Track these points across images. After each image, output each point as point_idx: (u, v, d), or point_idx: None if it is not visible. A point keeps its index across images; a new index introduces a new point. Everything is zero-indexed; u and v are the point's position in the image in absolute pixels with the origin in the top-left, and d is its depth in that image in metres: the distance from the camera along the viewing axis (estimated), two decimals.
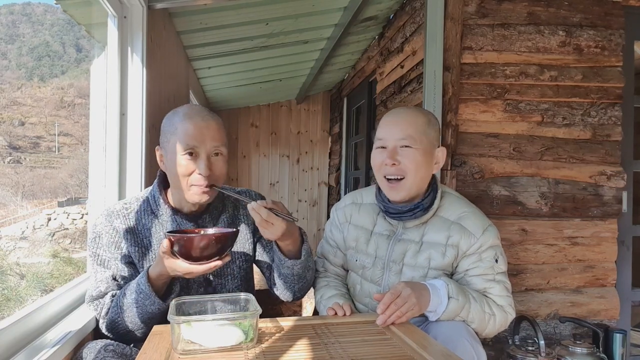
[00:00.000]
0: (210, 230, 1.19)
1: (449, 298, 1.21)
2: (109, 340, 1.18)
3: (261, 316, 1.03)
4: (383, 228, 1.43)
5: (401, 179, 1.33)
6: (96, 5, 1.59)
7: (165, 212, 1.28)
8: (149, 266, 1.18)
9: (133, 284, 1.17)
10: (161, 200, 1.29)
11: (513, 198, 2.25)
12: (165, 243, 1.07)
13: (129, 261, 1.26)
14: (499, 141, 2.23)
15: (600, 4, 2.26)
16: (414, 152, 1.31)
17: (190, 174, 1.20)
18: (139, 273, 1.25)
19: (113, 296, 1.23)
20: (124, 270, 1.25)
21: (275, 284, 1.37)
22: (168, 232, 1.11)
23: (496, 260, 1.34)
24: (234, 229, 1.15)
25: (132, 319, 1.17)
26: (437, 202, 1.37)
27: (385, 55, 3.15)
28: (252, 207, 1.14)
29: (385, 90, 3.11)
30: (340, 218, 1.51)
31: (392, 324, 1.13)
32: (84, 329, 1.22)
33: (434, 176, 1.40)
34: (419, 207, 1.34)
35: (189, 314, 1.07)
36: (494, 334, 1.31)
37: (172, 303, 1.05)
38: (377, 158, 1.37)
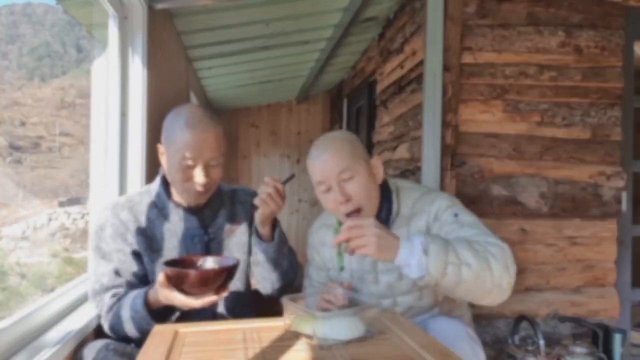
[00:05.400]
0: (210, 263, 1.18)
1: (426, 249, 1.05)
2: (110, 340, 1.19)
3: (261, 316, 1.04)
4: None
5: (360, 209, 1.28)
6: (97, 5, 1.59)
7: (169, 207, 1.32)
8: (148, 287, 1.18)
9: (130, 299, 1.19)
10: (165, 196, 1.33)
11: (513, 198, 2.25)
12: (161, 277, 1.09)
13: (135, 252, 1.27)
14: (498, 141, 2.24)
15: (600, 4, 2.26)
16: (358, 179, 1.27)
17: (187, 180, 1.25)
18: (145, 266, 1.27)
19: (114, 296, 1.23)
20: (128, 263, 1.26)
21: (256, 278, 1.42)
22: (165, 263, 1.11)
23: (455, 215, 1.26)
24: (235, 261, 1.13)
25: (130, 331, 1.19)
26: (395, 205, 1.35)
27: (385, 56, 3.15)
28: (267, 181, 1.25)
29: (386, 91, 3.11)
30: (315, 241, 1.53)
31: (353, 251, 1.08)
32: (85, 329, 1.23)
33: (384, 182, 1.37)
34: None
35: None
36: (507, 279, 1.10)
37: (288, 300, 1.11)
38: (329, 202, 1.29)
